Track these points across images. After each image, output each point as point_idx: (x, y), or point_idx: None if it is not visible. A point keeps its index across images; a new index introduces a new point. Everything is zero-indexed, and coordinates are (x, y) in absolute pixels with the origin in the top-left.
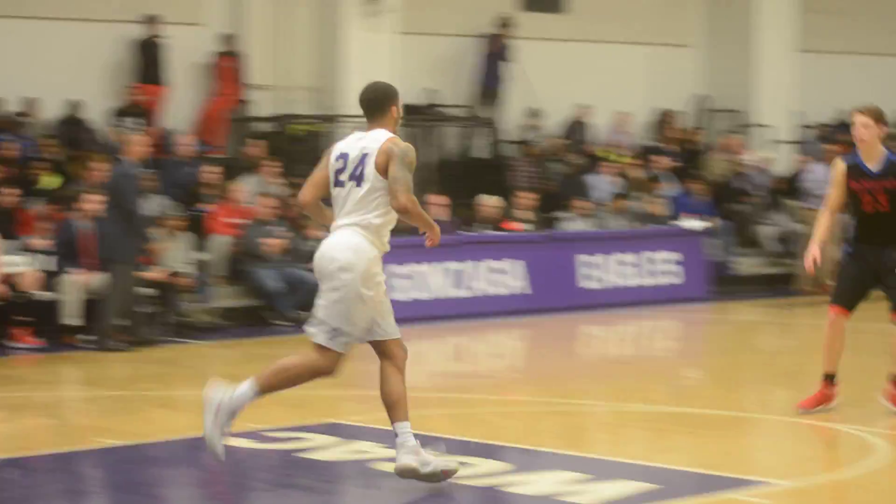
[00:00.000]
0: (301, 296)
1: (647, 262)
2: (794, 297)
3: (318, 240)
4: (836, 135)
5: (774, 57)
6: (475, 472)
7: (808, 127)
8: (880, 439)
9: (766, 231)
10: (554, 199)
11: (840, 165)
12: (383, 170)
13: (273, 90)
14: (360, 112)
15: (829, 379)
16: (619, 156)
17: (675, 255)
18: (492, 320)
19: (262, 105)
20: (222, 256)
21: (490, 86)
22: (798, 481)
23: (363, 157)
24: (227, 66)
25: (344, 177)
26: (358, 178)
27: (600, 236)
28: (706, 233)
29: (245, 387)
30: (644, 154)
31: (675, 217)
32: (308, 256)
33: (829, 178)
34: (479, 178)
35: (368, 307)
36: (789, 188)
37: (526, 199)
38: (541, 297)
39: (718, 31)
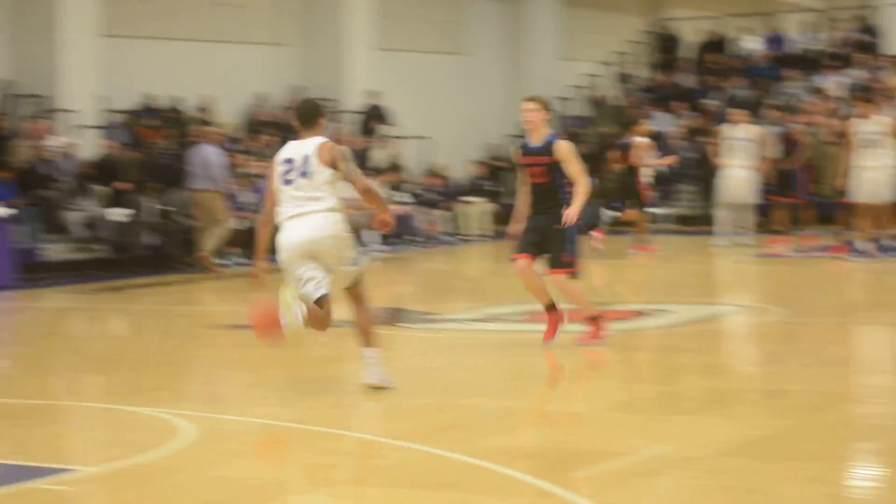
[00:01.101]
0: None
1: None
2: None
3: None
4: (141, 119)
5: (78, 41)
6: None
7: (113, 111)
8: (184, 420)
9: (74, 216)
10: None
11: (515, 146)
12: (328, 164)
13: None
14: None
15: (552, 308)
16: None
17: None
18: None
19: None
20: None
21: None
22: (102, 467)
23: (306, 157)
24: None
25: (293, 175)
26: (306, 174)
27: None
28: (11, 219)
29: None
30: None
31: None
32: None
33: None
34: None
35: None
36: (97, 173)
37: None
38: None
39: (21, 18)
